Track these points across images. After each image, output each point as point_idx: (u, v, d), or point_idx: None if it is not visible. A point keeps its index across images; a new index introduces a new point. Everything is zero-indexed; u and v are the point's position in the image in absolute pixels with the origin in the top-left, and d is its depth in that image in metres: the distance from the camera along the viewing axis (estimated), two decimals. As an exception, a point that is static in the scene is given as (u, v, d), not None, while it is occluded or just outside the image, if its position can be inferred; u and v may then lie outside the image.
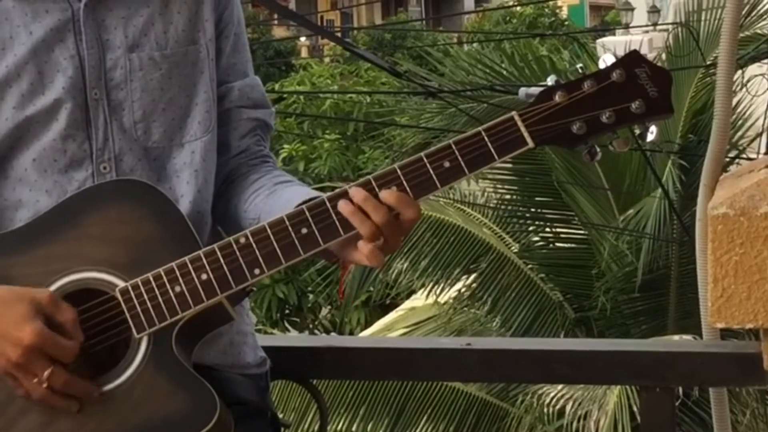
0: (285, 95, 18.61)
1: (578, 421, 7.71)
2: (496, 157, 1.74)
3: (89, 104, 1.83)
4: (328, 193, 1.77)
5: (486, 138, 1.74)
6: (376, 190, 1.74)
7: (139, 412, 1.71)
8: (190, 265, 1.74)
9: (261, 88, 2.05)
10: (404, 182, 1.74)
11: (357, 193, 1.74)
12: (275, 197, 1.89)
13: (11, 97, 1.81)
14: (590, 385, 7.20)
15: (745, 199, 1.88)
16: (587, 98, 1.74)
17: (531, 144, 1.74)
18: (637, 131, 1.77)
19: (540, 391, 7.99)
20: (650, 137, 1.75)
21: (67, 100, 1.82)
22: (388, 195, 1.74)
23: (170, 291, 1.73)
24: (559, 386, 7.67)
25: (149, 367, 1.72)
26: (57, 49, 1.83)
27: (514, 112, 1.75)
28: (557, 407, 7.90)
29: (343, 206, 1.74)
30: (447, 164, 1.74)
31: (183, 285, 1.73)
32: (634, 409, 7.41)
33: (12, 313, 1.68)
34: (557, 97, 1.74)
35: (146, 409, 1.71)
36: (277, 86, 20.59)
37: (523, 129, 1.74)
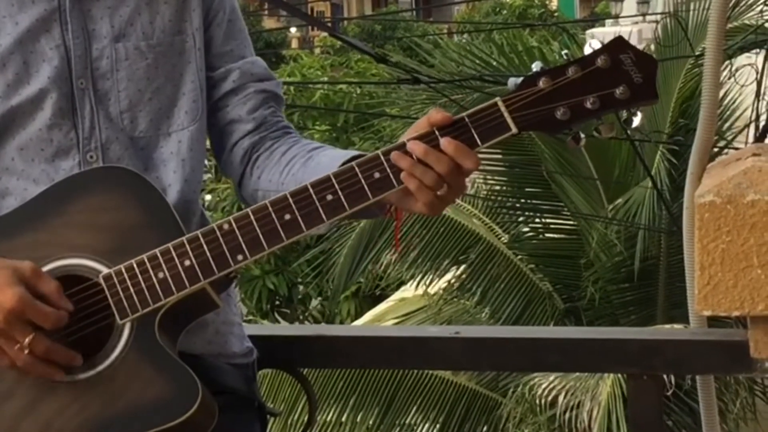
0: (275, 86, 18.53)
1: (570, 411, 7.73)
2: (479, 142, 1.74)
3: (75, 94, 1.84)
4: (312, 180, 1.75)
5: (469, 124, 1.74)
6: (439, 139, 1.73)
7: (122, 397, 1.72)
8: (173, 252, 1.74)
9: (263, 63, 2.04)
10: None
11: (417, 146, 1.73)
12: (311, 164, 1.89)
13: None
14: (578, 372, 7.22)
15: (731, 186, 1.88)
16: (571, 84, 1.74)
17: (514, 129, 1.74)
18: (623, 117, 1.77)
19: (531, 382, 8.00)
20: (635, 123, 1.75)
21: (52, 90, 1.83)
22: (447, 143, 1.73)
23: (153, 277, 1.74)
24: (551, 377, 7.69)
25: (132, 352, 1.73)
26: (43, 39, 1.83)
27: (497, 98, 1.75)
28: (549, 398, 7.91)
29: (398, 158, 1.73)
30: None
31: (166, 271, 1.74)
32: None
33: None
34: (541, 83, 1.74)
35: (129, 394, 1.72)
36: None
37: (506, 114, 1.74)
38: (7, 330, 1.68)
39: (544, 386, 7.86)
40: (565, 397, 7.73)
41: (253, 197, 1.97)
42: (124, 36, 1.87)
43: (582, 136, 1.76)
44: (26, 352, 1.68)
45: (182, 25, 1.92)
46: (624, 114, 1.76)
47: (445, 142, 1.72)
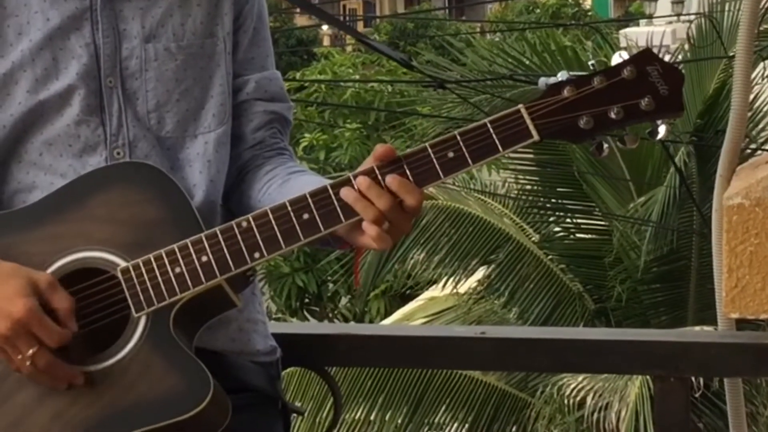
0: (306, 84, 18.62)
1: (599, 412, 7.71)
2: (500, 149, 1.74)
3: (103, 91, 1.85)
4: (332, 181, 1.78)
5: (491, 130, 1.74)
6: (380, 177, 1.75)
7: (133, 390, 1.73)
8: (191, 247, 1.75)
9: (280, 81, 2.05)
10: (407, 171, 1.74)
11: (362, 180, 1.74)
12: (288, 186, 1.90)
13: (25, 81, 1.83)
14: (604, 374, 7.19)
15: (760, 189, 1.87)
16: (596, 93, 1.73)
17: (536, 137, 1.73)
18: (648, 129, 1.76)
19: (560, 382, 7.99)
20: (660, 135, 1.74)
21: (80, 86, 1.84)
22: (391, 180, 1.74)
23: (170, 272, 1.74)
24: (580, 377, 7.67)
25: (146, 346, 1.74)
26: (73, 36, 1.84)
27: (520, 105, 1.74)
28: (578, 398, 7.89)
29: (346, 193, 1.75)
30: (451, 154, 1.74)
31: (183, 266, 1.74)
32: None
33: (7, 286, 1.70)
34: (565, 92, 1.73)
35: (141, 387, 1.73)
36: (298, 75, 20.60)
37: (528, 122, 1.73)
38: (13, 339, 1.69)
39: (572, 386, 7.84)
40: (593, 398, 7.72)
41: (235, 211, 1.97)
42: (154, 37, 1.88)
43: (605, 146, 1.75)
44: (28, 363, 1.69)
45: (214, 28, 1.93)
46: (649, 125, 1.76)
47: (389, 179, 1.73)
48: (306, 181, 1.88)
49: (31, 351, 1.69)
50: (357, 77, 19.90)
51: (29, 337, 1.69)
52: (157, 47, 1.88)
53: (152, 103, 1.87)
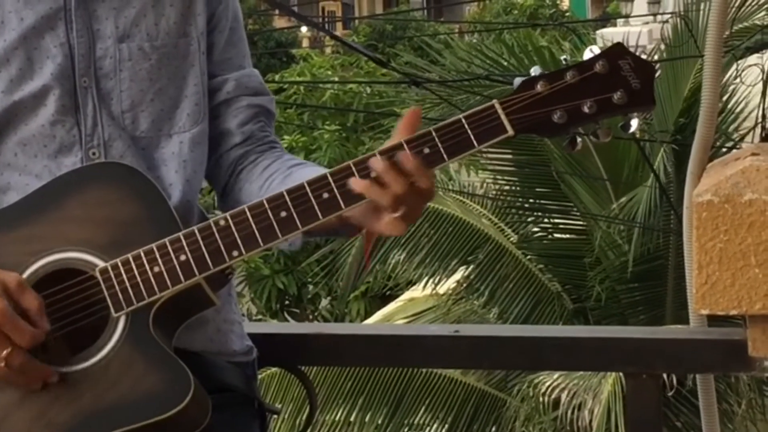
0: (285, 86, 18.60)
1: (573, 411, 7.75)
2: (475, 144, 1.74)
3: (78, 91, 1.85)
4: (310, 179, 1.76)
5: (466, 125, 1.74)
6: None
7: (114, 390, 1.73)
8: (169, 246, 1.75)
9: (259, 77, 2.05)
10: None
11: (377, 162, 1.73)
12: (291, 179, 1.89)
13: (0, 81, 1.83)
14: (579, 371, 7.21)
15: (729, 186, 1.89)
16: (569, 88, 1.74)
17: (511, 132, 1.74)
18: (620, 123, 1.77)
19: (537, 380, 8.01)
20: (632, 128, 1.76)
21: (55, 87, 1.84)
22: (405, 159, 1.72)
23: (149, 271, 1.74)
24: (555, 375, 7.69)
25: (126, 345, 1.74)
26: (47, 36, 1.84)
27: (495, 100, 1.75)
28: (553, 397, 7.92)
29: (355, 181, 1.73)
30: (427, 150, 1.74)
31: (162, 265, 1.74)
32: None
33: None
34: (539, 87, 1.74)
35: (121, 386, 1.73)
36: (277, 77, 20.57)
37: (503, 117, 1.74)
38: None
39: (548, 384, 7.87)
40: (568, 395, 7.75)
41: (233, 208, 1.97)
42: (128, 37, 1.88)
43: (579, 140, 1.76)
44: (2, 364, 1.69)
45: (187, 28, 1.93)
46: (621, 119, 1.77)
47: (404, 158, 1.73)
48: (309, 173, 1.86)
49: (4, 352, 1.68)
50: (336, 79, 19.89)
51: (1, 339, 1.68)
52: (131, 47, 1.88)
53: (126, 103, 1.87)
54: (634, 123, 1.75)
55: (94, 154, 1.85)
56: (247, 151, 2.00)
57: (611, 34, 14.47)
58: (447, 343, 2.22)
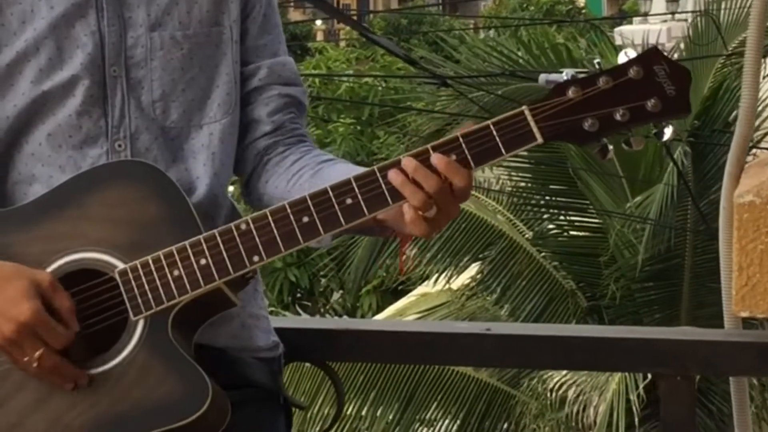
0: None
1: (580, 408, 7.77)
2: (503, 151, 1.70)
3: (107, 81, 1.82)
4: (333, 183, 1.72)
5: (494, 132, 1.70)
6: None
7: (131, 395, 1.70)
8: (189, 250, 1.72)
9: (293, 66, 2.02)
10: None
11: (408, 162, 1.69)
12: (321, 176, 1.86)
13: (29, 71, 1.80)
14: (607, 372, 7.22)
15: (771, 187, 1.86)
16: (601, 95, 1.69)
17: (540, 140, 1.69)
18: (654, 131, 1.72)
19: (545, 376, 8.01)
20: (666, 135, 1.70)
21: (84, 77, 1.81)
22: (438, 160, 1.69)
23: (168, 275, 1.71)
24: (563, 371, 7.68)
25: (144, 350, 1.71)
26: (78, 24, 1.81)
27: (524, 107, 1.70)
28: (560, 392, 7.94)
29: (393, 176, 1.69)
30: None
31: (182, 269, 1.71)
32: (631, 396, 7.43)
33: (11, 288, 1.67)
34: (570, 93, 1.69)
35: (139, 392, 1.70)
36: (292, 70, 20.51)
37: (532, 124, 1.69)
38: (19, 342, 1.67)
39: (555, 380, 7.88)
40: (575, 392, 7.76)
41: (257, 201, 1.95)
42: (160, 25, 1.85)
43: (610, 148, 1.71)
44: (35, 365, 1.67)
45: (220, 16, 1.90)
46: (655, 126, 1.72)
47: (435, 158, 1.69)
48: (340, 171, 1.83)
49: (37, 353, 1.67)
50: (351, 72, 19.89)
51: (35, 340, 1.67)
52: (162, 35, 1.85)
53: (157, 93, 1.84)
54: (668, 131, 1.70)
55: (120, 146, 1.82)
56: (276, 141, 1.96)
57: (630, 31, 14.39)
58: (477, 341, 2.19)
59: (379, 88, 17.63)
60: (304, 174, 1.89)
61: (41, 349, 1.67)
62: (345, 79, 18.51)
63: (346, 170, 1.82)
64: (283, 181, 1.91)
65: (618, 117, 1.69)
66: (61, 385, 1.71)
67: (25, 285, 1.67)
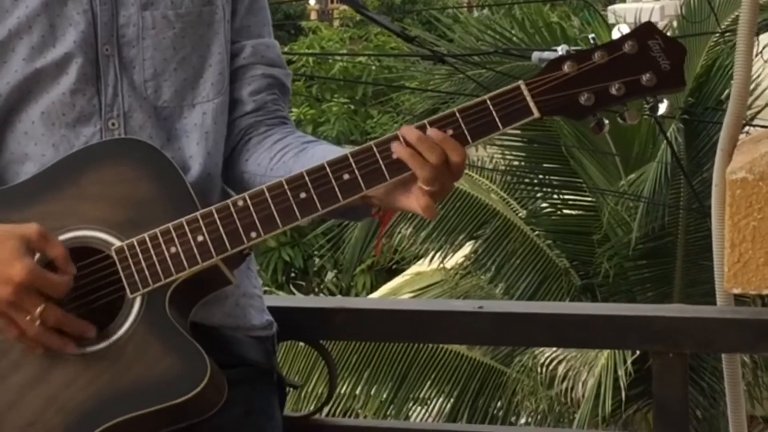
0: (294, 58, 18.55)
1: (570, 383, 7.81)
2: (500, 126, 1.70)
3: (100, 60, 1.82)
4: (330, 159, 1.72)
5: (491, 107, 1.71)
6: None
7: (129, 372, 1.70)
8: (186, 227, 1.72)
9: (277, 49, 2.02)
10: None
11: (410, 132, 1.70)
12: (306, 155, 1.86)
13: (22, 48, 1.80)
14: (600, 349, 7.24)
15: (764, 164, 1.86)
16: (597, 69, 1.70)
17: (537, 114, 1.70)
18: (649, 104, 1.73)
19: (537, 352, 8.03)
20: (661, 110, 1.71)
21: (77, 55, 1.81)
22: (435, 133, 1.69)
23: (166, 252, 1.71)
24: (554, 347, 7.71)
25: (142, 327, 1.71)
26: (70, 3, 1.81)
27: (520, 81, 1.71)
28: (551, 369, 7.97)
29: (397, 148, 1.69)
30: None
31: (179, 246, 1.71)
32: (619, 372, 7.46)
33: (2, 250, 1.67)
34: (566, 67, 1.70)
35: (137, 369, 1.70)
36: (286, 49, 20.52)
37: (529, 98, 1.70)
38: (18, 302, 1.66)
39: (546, 355, 7.90)
40: (565, 368, 7.79)
41: (238, 179, 1.94)
42: (152, 4, 1.85)
43: (606, 122, 1.73)
44: (37, 323, 1.67)
45: None
46: (650, 101, 1.73)
47: (432, 132, 1.69)
48: (325, 150, 1.83)
49: (39, 309, 1.66)
50: (345, 52, 19.84)
51: (34, 296, 1.66)
52: (154, 15, 1.85)
53: (149, 72, 1.84)
54: (663, 105, 1.72)
55: (113, 124, 1.82)
56: (258, 121, 1.96)
57: (623, 10, 14.37)
58: (471, 319, 2.19)
59: (373, 67, 17.60)
60: (288, 152, 1.89)
61: (42, 304, 1.66)
62: (339, 58, 18.45)
63: (331, 150, 1.82)
64: (265, 159, 1.91)
65: (614, 91, 1.70)
66: (63, 347, 1.69)
67: (16, 244, 1.66)
